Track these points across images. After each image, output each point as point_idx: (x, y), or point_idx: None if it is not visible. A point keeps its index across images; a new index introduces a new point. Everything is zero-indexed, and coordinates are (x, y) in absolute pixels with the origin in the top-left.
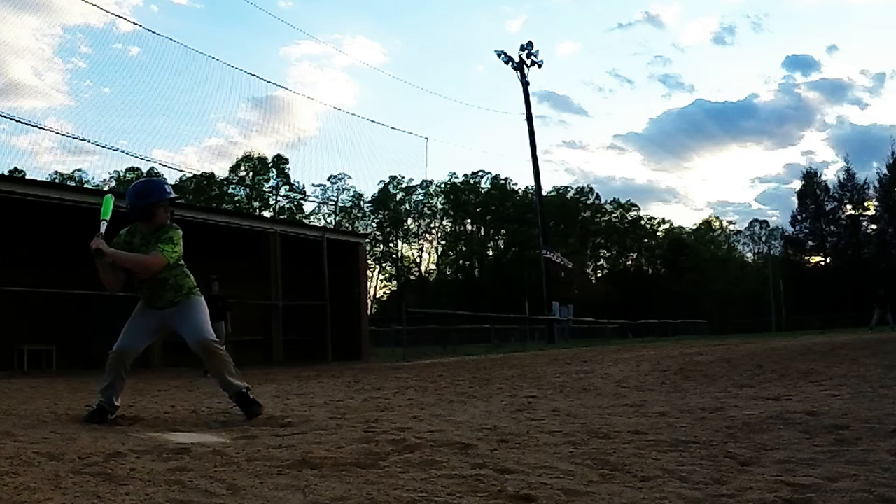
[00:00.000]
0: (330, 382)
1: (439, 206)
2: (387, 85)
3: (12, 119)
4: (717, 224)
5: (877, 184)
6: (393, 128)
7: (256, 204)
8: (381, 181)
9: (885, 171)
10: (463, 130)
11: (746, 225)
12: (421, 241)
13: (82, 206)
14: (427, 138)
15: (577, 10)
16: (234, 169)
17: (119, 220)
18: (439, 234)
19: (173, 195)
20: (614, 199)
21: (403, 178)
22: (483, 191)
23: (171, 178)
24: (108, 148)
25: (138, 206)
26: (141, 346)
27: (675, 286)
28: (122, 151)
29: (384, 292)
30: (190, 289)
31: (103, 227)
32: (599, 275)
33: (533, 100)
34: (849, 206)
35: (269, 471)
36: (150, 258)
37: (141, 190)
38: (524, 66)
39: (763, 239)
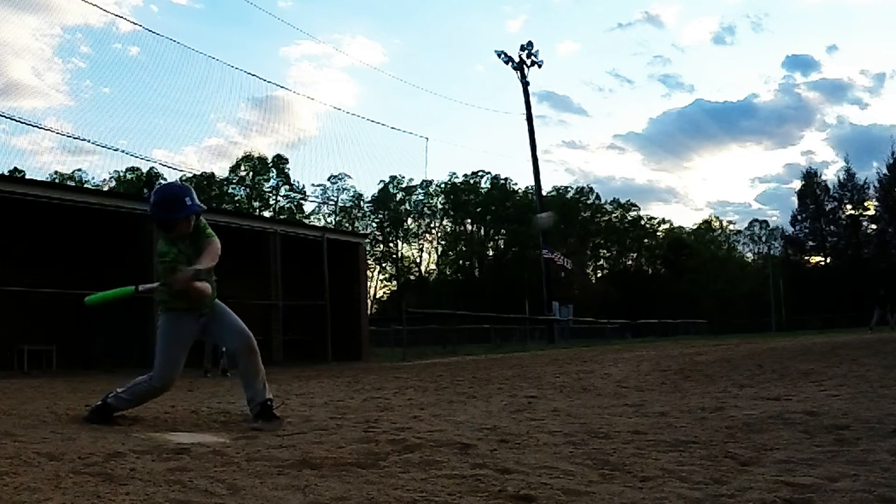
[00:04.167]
0: (330, 382)
1: (439, 206)
2: (387, 85)
3: (12, 119)
4: (717, 224)
5: (877, 184)
6: (393, 128)
7: (256, 204)
8: (381, 181)
9: (885, 171)
10: (463, 130)
11: (746, 225)
12: (421, 241)
13: (82, 206)
14: (427, 138)
15: (577, 10)
16: (234, 169)
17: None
18: (439, 234)
19: (197, 208)
20: (614, 199)
21: (403, 178)
22: (483, 191)
23: (171, 178)
24: (108, 148)
25: (157, 217)
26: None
27: (675, 286)
28: (122, 151)
29: (384, 292)
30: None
31: (146, 287)
32: (599, 275)
33: (533, 100)
34: (849, 206)
35: (269, 471)
36: (215, 244)
37: (161, 201)
38: (524, 66)
39: (763, 239)
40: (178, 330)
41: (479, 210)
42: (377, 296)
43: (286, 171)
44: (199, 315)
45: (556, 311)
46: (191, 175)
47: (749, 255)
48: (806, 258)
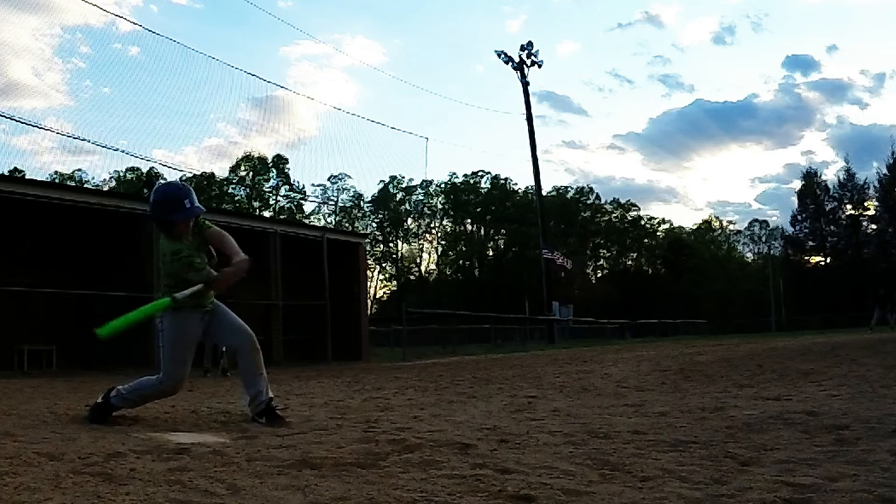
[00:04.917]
0: (330, 382)
1: (439, 206)
2: (387, 85)
3: (12, 119)
4: (717, 224)
5: (877, 184)
6: (393, 128)
7: (256, 204)
8: (381, 181)
9: (885, 171)
10: (463, 130)
11: (746, 225)
12: (421, 241)
13: (82, 206)
14: (427, 138)
15: (577, 10)
16: (234, 169)
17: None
18: (439, 234)
19: (196, 210)
20: (614, 199)
21: (403, 178)
22: (483, 191)
23: (172, 178)
24: (108, 148)
25: (156, 217)
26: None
27: (675, 286)
28: (122, 151)
29: (384, 292)
30: None
31: (186, 293)
32: (599, 275)
33: (533, 100)
34: (849, 206)
35: (269, 471)
36: (226, 233)
37: (160, 201)
38: (524, 66)
39: (763, 239)
40: (184, 330)
41: (479, 210)
42: (377, 296)
43: (286, 171)
44: (204, 313)
45: (556, 311)
46: (191, 175)
47: (749, 255)
48: (806, 258)
